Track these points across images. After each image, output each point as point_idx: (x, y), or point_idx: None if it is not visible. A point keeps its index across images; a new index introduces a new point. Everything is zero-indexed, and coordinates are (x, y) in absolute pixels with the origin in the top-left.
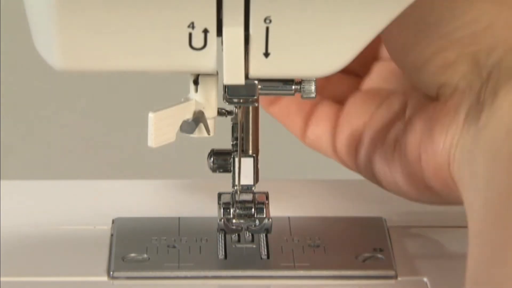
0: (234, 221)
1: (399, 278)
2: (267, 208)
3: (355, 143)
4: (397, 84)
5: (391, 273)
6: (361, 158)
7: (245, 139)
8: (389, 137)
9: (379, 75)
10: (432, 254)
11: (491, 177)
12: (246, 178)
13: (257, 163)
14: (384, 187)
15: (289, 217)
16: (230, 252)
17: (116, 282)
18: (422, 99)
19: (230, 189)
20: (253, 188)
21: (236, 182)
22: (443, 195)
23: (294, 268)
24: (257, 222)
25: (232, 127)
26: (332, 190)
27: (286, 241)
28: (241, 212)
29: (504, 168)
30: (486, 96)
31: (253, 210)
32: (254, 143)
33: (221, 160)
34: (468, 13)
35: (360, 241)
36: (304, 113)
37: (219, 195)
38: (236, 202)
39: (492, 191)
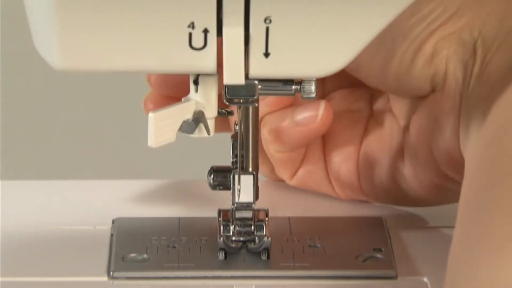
0: (233, 238)
1: (399, 278)
2: (267, 226)
3: (355, 168)
4: (366, 104)
5: (391, 273)
6: (366, 178)
7: (245, 157)
8: (392, 150)
9: (343, 101)
10: (432, 254)
11: (475, 153)
12: (246, 195)
13: (257, 181)
14: (396, 199)
15: (289, 217)
16: (230, 252)
17: (116, 282)
18: (416, 102)
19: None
20: (253, 206)
21: (236, 200)
22: (459, 180)
23: (294, 268)
24: (256, 240)
25: (232, 144)
26: None
27: (286, 241)
28: (240, 229)
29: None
30: (474, 67)
31: (252, 227)
32: (254, 161)
33: (221, 178)
34: (433, 10)
35: (360, 241)
36: (292, 158)
37: (219, 212)
38: (236, 219)
39: (474, 165)
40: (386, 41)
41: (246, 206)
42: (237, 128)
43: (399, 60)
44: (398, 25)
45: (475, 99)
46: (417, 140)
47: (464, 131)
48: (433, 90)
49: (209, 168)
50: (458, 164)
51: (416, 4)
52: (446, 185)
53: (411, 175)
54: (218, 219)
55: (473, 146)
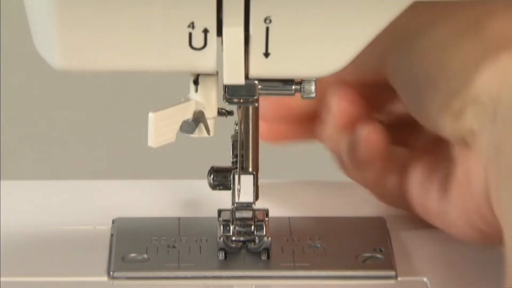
0: (233, 238)
1: (399, 278)
2: (267, 226)
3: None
4: None
5: (391, 273)
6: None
7: (245, 157)
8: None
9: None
10: (432, 254)
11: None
12: (246, 195)
13: (257, 181)
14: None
15: (289, 217)
16: (230, 252)
17: (116, 282)
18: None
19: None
20: (253, 206)
21: (236, 200)
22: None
23: (294, 268)
24: (256, 240)
25: (232, 144)
26: (332, 190)
27: (286, 241)
28: (240, 229)
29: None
30: (496, 129)
31: (252, 227)
32: (254, 160)
33: (221, 178)
34: (454, 63)
35: (360, 241)
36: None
37: (219, 211)
38: (236, 219)
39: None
40: (415, 88)
41: (246, 206)
42: (237, 128)
43: (427, 109)
44: (424, 72)
45: (501, 163)
46: (457, 187)
47: (494, 191)
48: (465, 144)
49: (209, 168)
50: (488, 223)
51: (445, 58)
52: (485, 231)
53: (456, 216)
54: (218, 219)
55: (508, 214)
